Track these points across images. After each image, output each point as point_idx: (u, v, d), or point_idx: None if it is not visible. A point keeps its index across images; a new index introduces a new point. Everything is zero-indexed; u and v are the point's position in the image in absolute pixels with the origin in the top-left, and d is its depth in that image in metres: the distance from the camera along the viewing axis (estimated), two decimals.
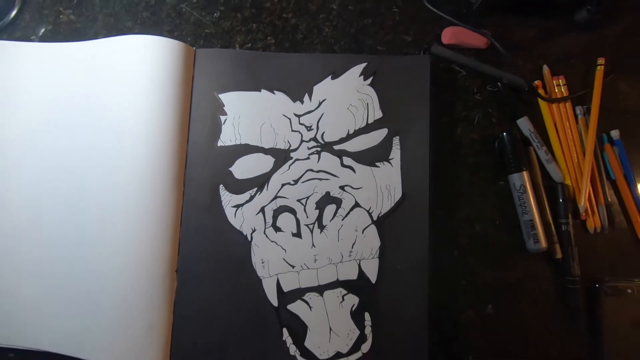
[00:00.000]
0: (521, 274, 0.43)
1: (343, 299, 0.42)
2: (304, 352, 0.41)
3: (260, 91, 0.44)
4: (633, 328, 0.42)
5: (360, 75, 0.44)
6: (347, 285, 0.42)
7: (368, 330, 0.41)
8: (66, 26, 0.47)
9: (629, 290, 0.42)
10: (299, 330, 0.41)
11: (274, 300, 0.42)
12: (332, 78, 0.44)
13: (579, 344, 0.42)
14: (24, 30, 0.47)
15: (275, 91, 0.44)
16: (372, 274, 0.42)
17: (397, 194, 0.43)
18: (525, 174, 0.43)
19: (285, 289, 0.42)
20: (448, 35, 0.46)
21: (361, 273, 0.42)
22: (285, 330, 0.41)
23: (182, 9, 0.48)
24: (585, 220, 0.44)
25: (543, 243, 0.42)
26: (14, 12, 0.47)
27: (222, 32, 0.47)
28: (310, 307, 0.42)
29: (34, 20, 0.47)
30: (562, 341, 0.42)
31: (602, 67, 0.45)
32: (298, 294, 0.42)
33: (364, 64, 0.44)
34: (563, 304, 0.43)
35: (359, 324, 0.41)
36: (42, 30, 0.47)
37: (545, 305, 0.43)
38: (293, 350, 0.41)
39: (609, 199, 0.44)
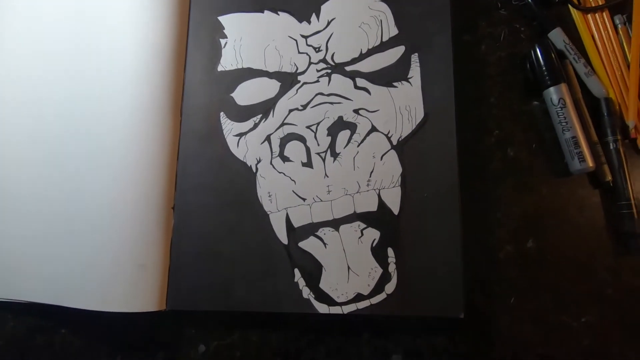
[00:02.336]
0: (565, 202, 0.38)
1: (362, 234, 0.36)
2: (319, 294, 0.36)
3: (263, 12, 0.41)
4: None
5: None
6: (366, 218, 0.37)
7: (392, 268, 0.36)
8: None
9: None
10: (313, 270, 0.36)
11: (283, 237, 0.37)
12: None
13: (639, 276, 0.36)
14: None
15: (279, 12, 0.41)
16: (394, 205, 0.37)
17: (419, 115, 0.38)
18: (563, 86, 0.38)
19: (296, 224, 0.37)
20: None
21: (381, 204, 0.37)
22: (297, 271, 0.36)
23: None
24: (636, 138, 0.38)
25: (590, 162, 0.37)
26: None
27: None
28: (324, 244, 0.36)
29: None
30: (617, 274, 0.36)
31: None
32: (310, 229, 0.37)
33: None
34: (615, 232, 0.37)
35: (382, 261, 0.36)
36: None
37: (595, 235, 0.37)
38: (307, 292, 0.36)
39: None
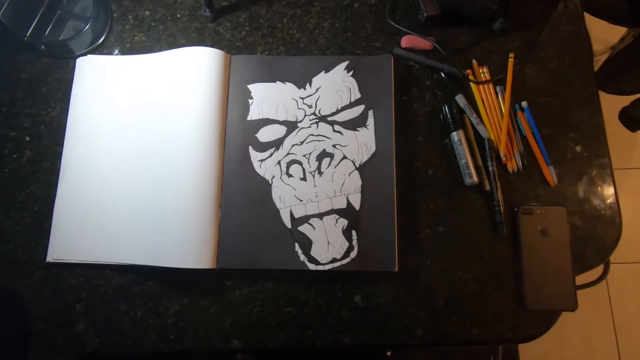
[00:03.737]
0: (462, 202, 0.61)
1: (337, 222, 0.59)
2: (311, 258, 0.59)
3: (275, 82, 0.64)
4: (542, 235, 0.59)
5: (344, 70, 0.64)
6: (339, 212, 0.60)
7: (355, 243, 0.59)
8: (139, 44, 0.68)
9: (539, 211, 0.60)
10: (306, 244, 0.59)
11: (288, 224, 0.60)
12: (325, 72, 0.64)
13: (504, 247, 0.60)
14: (110, 48, 0.68)
15: (286, 82, 0.64)
16: (357, 204, 0.60)
17: (372, 149, 0.61)
18: (461, 132, 0.61)
19: (296, 216, 0.60)
20: (405, 41, 0.66)
21: (349, 203, 0.60)
22: (296, 244, 0.59)
23: (220, 31, 0.68)
24: (506, 164, 0.62)
25: (475, 178, 0.60)
26: (103, 37, 0.68)
27: (248, 45, 0.67)
28: (314, 228, 0.59)
29: (117, 41, 0.68)
30: (492, 246, 0.60)
31: (512, 59, 0.64)
32: (305, 219, 0.60)
33: (347, 62, 0.64)
34: (491, 221, 0.60)
35: (348, 238, 0.59)
36: (122, 48, 0.68)
37: (479, 222, 0.61)
38: (303, 258, 0.59)
39: (522, 149, 0.62)
